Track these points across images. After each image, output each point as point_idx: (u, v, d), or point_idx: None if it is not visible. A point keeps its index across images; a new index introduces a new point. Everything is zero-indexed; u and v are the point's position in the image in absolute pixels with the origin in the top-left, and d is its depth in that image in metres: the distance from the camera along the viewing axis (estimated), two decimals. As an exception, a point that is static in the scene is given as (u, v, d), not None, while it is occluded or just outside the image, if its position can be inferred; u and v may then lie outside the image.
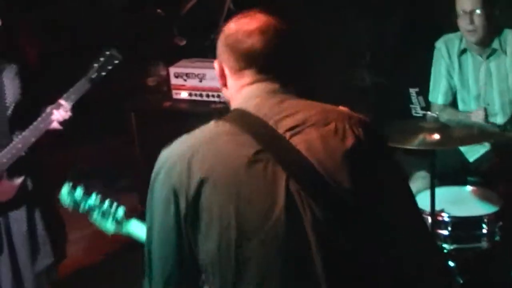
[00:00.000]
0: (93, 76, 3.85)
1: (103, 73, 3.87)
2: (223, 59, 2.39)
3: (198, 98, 5.46)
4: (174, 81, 5.53)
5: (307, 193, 2.14)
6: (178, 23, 6.08)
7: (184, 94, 5.51)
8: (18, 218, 3.94)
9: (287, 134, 2.21)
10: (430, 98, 4.87)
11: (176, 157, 2.28)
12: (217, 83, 5.24)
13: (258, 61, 2.34)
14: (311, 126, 2.23)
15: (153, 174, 2.32)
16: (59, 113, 3.82)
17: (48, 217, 4.06)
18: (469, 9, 4.44)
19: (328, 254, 2.12)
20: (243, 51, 2.33)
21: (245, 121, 2.25)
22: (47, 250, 4.04)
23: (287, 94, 2.34)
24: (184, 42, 6.06)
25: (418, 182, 4.53)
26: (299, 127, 2.22)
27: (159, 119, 5.54)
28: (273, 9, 2.36)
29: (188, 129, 5.18)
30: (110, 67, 3.89)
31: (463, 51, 4.68)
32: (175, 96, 5.55)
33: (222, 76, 2.43)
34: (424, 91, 4.93)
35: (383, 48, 5.85)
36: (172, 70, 5.53)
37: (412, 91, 5.48)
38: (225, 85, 2.43)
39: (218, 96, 5.35)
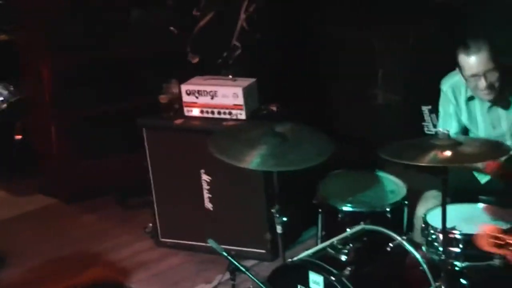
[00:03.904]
0: None
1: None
2: None
3: (210, 115, 5.46)
4: (186, 98, 5.53)
5: None
6: (191, 41, 6.10)
7: (195, 112, 5.51)
8: None
9: None
10: None
11: None
12: (228, 101, 5.35)
13: None
14: None
15: None
16: None
17: None
18: (482, 71, 4.30)
19: None
20: None
21: None
22: None
23: None
24: (197, 60, 6.09)
25: (429, 201, 4.52)
26: None
27: (171, 136, 5.55)
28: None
29: (199, 146, 5.25)
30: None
31: (470, 98, 4.60)
32: (186, 114, 5.55)
33: None
34: (437, 109, 4.91)
35: (396, 66, 5.84)
36: (184, 87, 5.53)
37: (425, 108, 5.48)
38: None
39: (230, 113, 5.36)
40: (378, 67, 5.97)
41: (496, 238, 3.12)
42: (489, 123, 4.57)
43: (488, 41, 4.34)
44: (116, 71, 6.61)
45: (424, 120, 5.56)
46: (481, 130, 4.62)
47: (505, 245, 3.14)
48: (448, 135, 3.82)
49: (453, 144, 3.78)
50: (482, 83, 4.32)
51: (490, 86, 4.33)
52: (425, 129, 5.56)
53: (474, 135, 4.68)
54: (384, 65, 5.93)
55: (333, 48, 6.18)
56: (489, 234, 3.13)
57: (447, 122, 4.72)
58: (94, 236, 6.09)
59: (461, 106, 4.64)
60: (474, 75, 4.33)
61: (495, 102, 4.51)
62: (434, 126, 5.36)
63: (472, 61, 4.31)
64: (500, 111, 4.54)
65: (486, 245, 3.14)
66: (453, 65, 4.57)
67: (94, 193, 6.67)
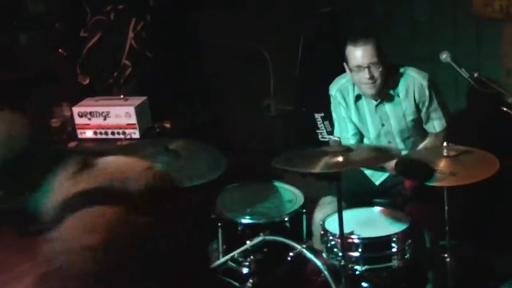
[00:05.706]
0: None
1: None
2: None
3: (104, 136, 5.41)
4: (78, 120, 5.46)
5: None
6: (81, 62, 6.04)
7: (89, 133, 5.45)
8: None
9: None
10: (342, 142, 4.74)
11: None
12: (121, 120, 5.31)
13: None
14: None
15: None
16: None
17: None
18: (366, 63, 4.37)
19: None
20: None
21: None
22: None
23: None
24: (87, 81, 6.02)
25: (326, 207, 4.55)
26: None
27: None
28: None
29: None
30: None
31: (358, 97, 4.67)
32: (80, 136, 5.49)
33: None
34: (329, 116, 4.95)
35: (286, 75, 5.88)
36: (76, 109, 5.46)
37: (318, 116, 5.54)
38: None
39: (123, 133, 5.32)
40: (270, 77, 6.01)
41: None
42: (377, 121, 4.63)
43: (376, 38, 4.44)
44: (2, 96, 6.48)
45: (318, 128, 5.61)
46: (371, 128, 4.68)
47: None
48: (340, 142, 3.88)
49: (344, 150, 3.83)
50: (365, 74, 4.39)
51: (372, 78, 4.41)
52: (320, 136, 5.62)
53: (365, 135, 4.75)
54: (275, 75, 5.98)
55: (225, 61, 6.20)
56: None
57: (342, 126, 4.77)
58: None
59: (350, 107, 4.69)
60: (358, 66, 4.41)
61: (380, 100, 4.59)
62: (328, 133, 5.42)
63: (358, 52, 4.40)
64: (387, 109, 4.60)
65: None
66: (341, 71, 4.64)
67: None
